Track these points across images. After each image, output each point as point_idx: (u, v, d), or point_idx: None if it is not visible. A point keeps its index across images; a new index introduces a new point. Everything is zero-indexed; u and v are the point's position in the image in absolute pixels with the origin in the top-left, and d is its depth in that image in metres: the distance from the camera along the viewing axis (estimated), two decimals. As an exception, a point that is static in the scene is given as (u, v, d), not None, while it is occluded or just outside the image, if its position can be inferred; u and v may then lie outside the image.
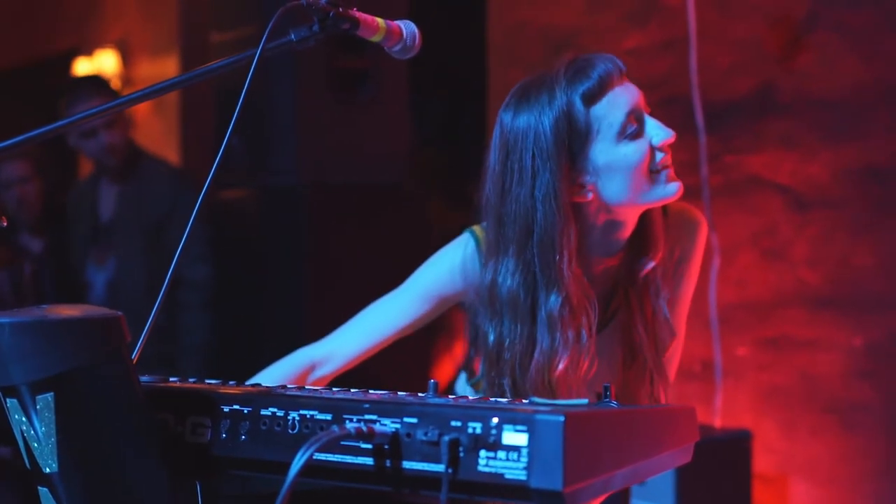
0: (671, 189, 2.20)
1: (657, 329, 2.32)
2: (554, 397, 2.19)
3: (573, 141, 2.16)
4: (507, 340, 2.22)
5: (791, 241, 4.46)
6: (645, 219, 2.28)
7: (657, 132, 2.18)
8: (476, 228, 2.35)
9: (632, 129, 2.17)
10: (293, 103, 4.34)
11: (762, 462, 4.33)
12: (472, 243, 2.34)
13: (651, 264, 2.28)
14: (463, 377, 2.55)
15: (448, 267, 2.35)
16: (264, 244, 4.45)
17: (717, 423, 4.41)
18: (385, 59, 3.99)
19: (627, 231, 2.27)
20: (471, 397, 1.72)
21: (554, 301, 2.18)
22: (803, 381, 4.41)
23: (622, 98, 2.17)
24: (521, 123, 2.18)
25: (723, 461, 3.97)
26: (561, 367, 2.19)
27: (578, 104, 2.15)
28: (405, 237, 4.34)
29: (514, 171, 2.18)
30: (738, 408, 4.51)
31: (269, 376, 2.32)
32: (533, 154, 2.16)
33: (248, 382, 2.23)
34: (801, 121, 4.45)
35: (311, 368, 2.35)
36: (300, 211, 4.36)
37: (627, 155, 2.17)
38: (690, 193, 4.59)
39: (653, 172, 2.18)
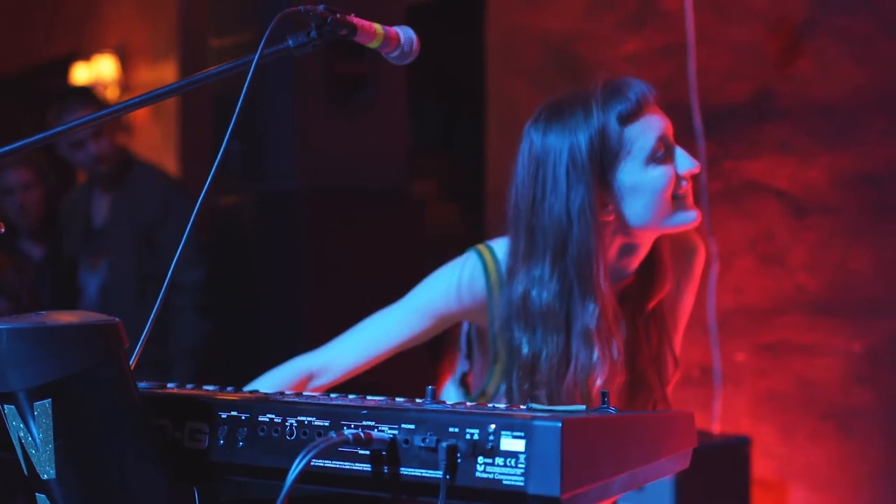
0: (691, 216, 2.25)
1: (662, 359, 2.34)
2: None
3: (604, 158, 2.20)
4: (544, 352, 2.23)
5: (789, 247, 4.47)
6: (656, 248, 2.31)
7: (684, 161, 2.23)
8: (481, 248, 2.34)
9: (661, 154, 2.21)
10: (291, 108, 4.34)
11: (761, 468, 4.33)
12: (477, 264, 2.33)
13: (660, 295, 2.31)
14: (452, 392, 2.52)
15: (448, 286, 2.34)
16: (262, 249, 4.45)
17: (716, 428, 4.41)
18: (384, 65, 3.99)
19: (640, 257, 2.30)
20: (468, 403, 1.72)
21: (591, 313, 2.20)
22: (802, 387, 4.41)
23: (655, 123, 2.22)
24: (555, 138, 2.21)
25: (722, 467, 3.96)
26: (599, 382, 2.21)
27: (613, 123, 2.19)
28: (403, 242, 4.34)
29: (548, 182, 2.20)
30: (737, 413, 4.51)
31: (266, 384, 2.32)
32: (568, 168, 2.19)
33: (244, 390, 2.24)
34: (799, 126, 4.46)
35: (308, 378, 2.35)
36: (298, 216, 4.35)
37: (655, 178, 2.20)
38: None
39: (675, 199, 2.22)
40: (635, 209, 2.22)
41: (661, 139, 2.21)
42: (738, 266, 4.57)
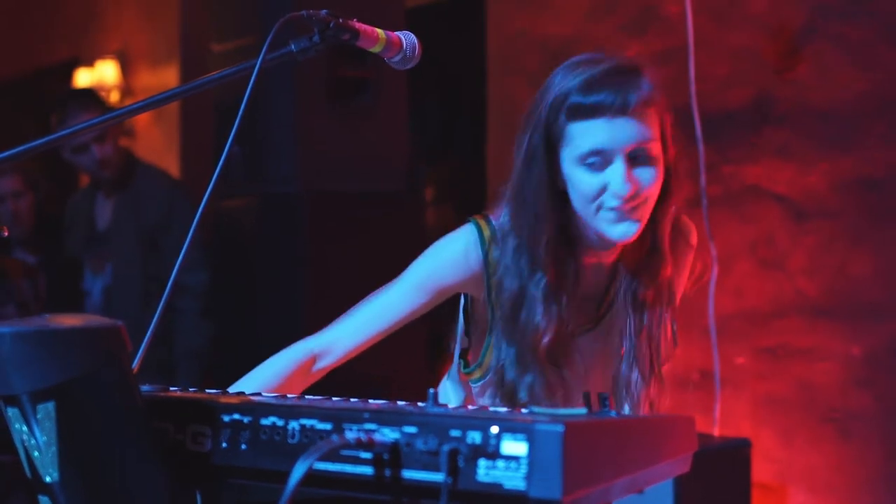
0: (617, 231, 2.19)
1: (663, 343, 2.34)
2: (545, 366, 2.26)
3: (551, 138, 2.21)
4: (523, 312, 2.27)
5: (789, 251, 4.47)
6: (655, 233, 2.28)
7: (615, 181, 2.16)
8: (479, 218, 2.36)
9: (593, 160, 2.16)
10: (293, 111, 4.35)
11: (761, 471, 4.33)
12: (474, 234, 2.34)
13: (658, 279, 2.31)
14: (454, 369, 2.53)
15: (446, 258, 2.35)
16: (263, 252, 4.46)
17: (716, 431, 4.42)
18: (385, 68, 3.99)
19: None
20: (470, 407, 1.73)
21: (536, 280, 2.24)
22: (802, 390, 4.42)
23: (603, 132, 2.15)
24: (533, 106, 2.23)
25: (722, 470, 3.96)
26: (546, 340, 2.24)
27: (563, 114, 2.17)
28: (404, 246, 4.33)
29: (522, 150, 2.24)
30: (737, 417, 4.52)
31: (271, 368, 2.33)
32: (531, 137, 2.22)
33: (250, 373, 2.25)
34: (799, 131, 4.47)
35: (313, 360, 2.35)
36: (299, 218, 4.36)
37: (581, 181, 2.18)
38: (689, 203, 4.61)
39: (598, 208, 2.19)
40: (573, 196, 2.22)
41: (600, 150, 2.15)
42: (737, 270, 4.58)
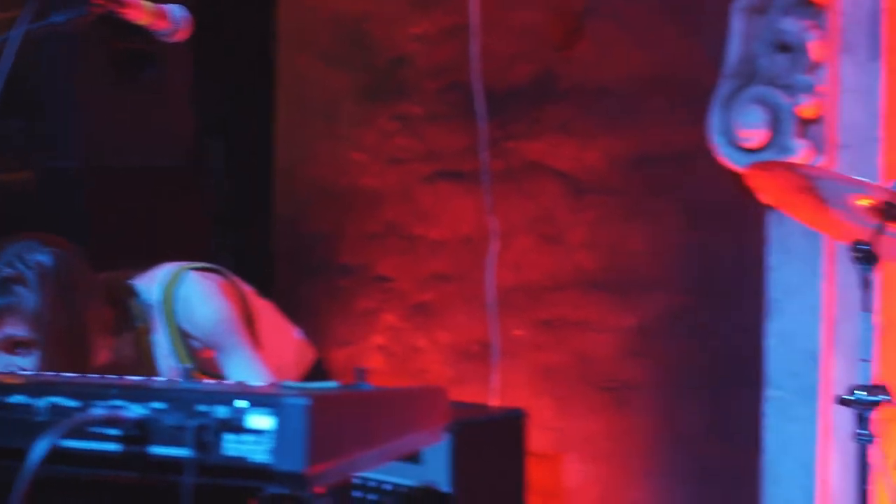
0: None
1: None
2: None
3: None
4: None
5: (568, 226, 4.58)
6: None
7: None
8: None
9: None
10: (75, 84, 4.25)
11: (538, 440, 4.43)
12: None
13: None
14: None
15: None
16: (42, 228, 4.35)
17: (494, 402, 4.50)
18: (171, 43, 3.92)
19: None
20: (225, 382, 1.74)
21: None
22: (578, 361, 4.53)
23: None
24: None
25: (498, 439, 4.02)
26: None
27: None
28: (189, 221, 4.31)
29: None
30: (516, 387, 4.61)
31: None
32: None
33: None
34: (579, 108, 4.56)
35: None
36: (81, 194, 4.27)
37: None
38: (471, 178, 4.68)
39: None
40: None
41: None
42: (517, 245, 4.66)
